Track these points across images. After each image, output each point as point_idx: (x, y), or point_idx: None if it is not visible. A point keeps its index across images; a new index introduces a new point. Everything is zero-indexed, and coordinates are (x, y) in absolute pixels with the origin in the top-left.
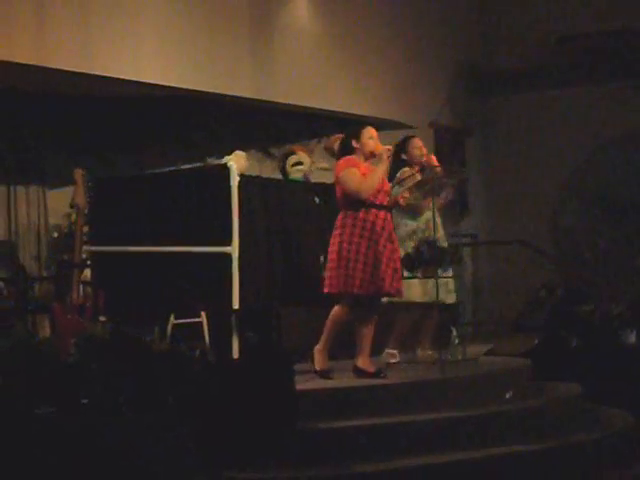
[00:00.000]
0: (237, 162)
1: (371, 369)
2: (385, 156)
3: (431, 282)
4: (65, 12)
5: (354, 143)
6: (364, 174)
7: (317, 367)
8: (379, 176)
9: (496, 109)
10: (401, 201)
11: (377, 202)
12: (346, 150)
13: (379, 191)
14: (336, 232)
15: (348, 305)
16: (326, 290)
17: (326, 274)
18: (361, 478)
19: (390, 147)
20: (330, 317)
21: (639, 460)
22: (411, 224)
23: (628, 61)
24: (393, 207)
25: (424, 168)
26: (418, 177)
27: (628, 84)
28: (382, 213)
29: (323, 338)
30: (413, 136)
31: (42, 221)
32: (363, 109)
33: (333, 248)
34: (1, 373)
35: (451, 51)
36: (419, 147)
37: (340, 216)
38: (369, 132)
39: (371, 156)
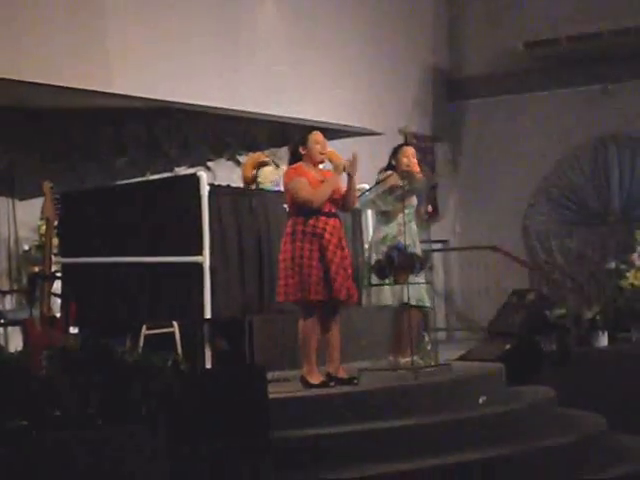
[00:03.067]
0: None
1: (343, 375)
2: (342, 167)
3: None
4: (33, 24)
5: (301, 149)
6: (312, 183)
7: (315, 382)
8: (331, 187)
9: (465, 114)
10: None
11: (326, 210)
12: (294, 157)
13: (328, 199)
14: (287, 239)
15: (308, 314)
16: (282, 299)
17: (279, 282)
18: None
19: (347, 162)
20: (300, 335)
21: (613, 464)
22: (384, 229)
23: (596, 65)
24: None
25: (406, 175)
26: (389, 182)
27: (596, 88)
28: (331, 220)
29: (304, 360)
30: (408, 145)
31: (12, 234)
32: (332, 116)
33: (286, 255)
34: None
35: (420, 57)
36: (407, 156)
37: (290, 222)
38: (315, 137)
39: (320, 161)
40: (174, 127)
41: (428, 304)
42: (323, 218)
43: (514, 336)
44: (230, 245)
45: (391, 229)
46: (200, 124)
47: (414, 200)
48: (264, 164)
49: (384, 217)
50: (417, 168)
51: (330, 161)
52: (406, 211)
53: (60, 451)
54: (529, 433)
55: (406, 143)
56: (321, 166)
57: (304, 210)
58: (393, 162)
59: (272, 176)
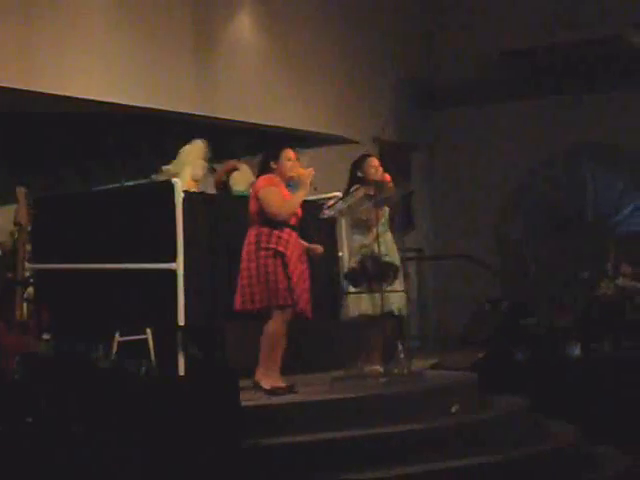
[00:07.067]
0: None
1: (282, 384)
2: (307, 180)
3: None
4: (6, 29)
5: (272, 164)
6: (283, 195)
7: (266, 387)
8: (299, 201)
9: (441, 123)
10: None
11: (292, 223)
12: (264, 170)
13: (294, 213)
14: (250, 248)
15: (281, 319)
16: (249, 307)
17: (245, 290)
18: None
19: (312, 170)
20: (267, 339)
21: (585, 473)
22: (360, 239)
23: (571, 75)
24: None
25: (378, 185)
26: (360, 193)
27: (572, 98)
28: (294, 233)
29: (267, 363)
30: (370, 155)
31: None
32: (307, 124)
33: (250, 265)
34: None
35: (396, 66)
36: (375, 166)
37: (253, 232)
38: (288, 154)
39: (289, 178)
40: (150, 134)
41: (405, 312)
42: (287, 230)
43: (487, 345)
44: (203, 252)
45: (366, 238)
46: (174, 131)
47: (386, 209)
48: (234, 169)
49: (359, 227)
50: (388, 177)
51: (297, 177)
52: (381, 220)
53: (33, 457)
54: (502, 442)
55: (369, 154)
56: None
57: (271, 221)
58: (359, 174)
59: (244, 177)
